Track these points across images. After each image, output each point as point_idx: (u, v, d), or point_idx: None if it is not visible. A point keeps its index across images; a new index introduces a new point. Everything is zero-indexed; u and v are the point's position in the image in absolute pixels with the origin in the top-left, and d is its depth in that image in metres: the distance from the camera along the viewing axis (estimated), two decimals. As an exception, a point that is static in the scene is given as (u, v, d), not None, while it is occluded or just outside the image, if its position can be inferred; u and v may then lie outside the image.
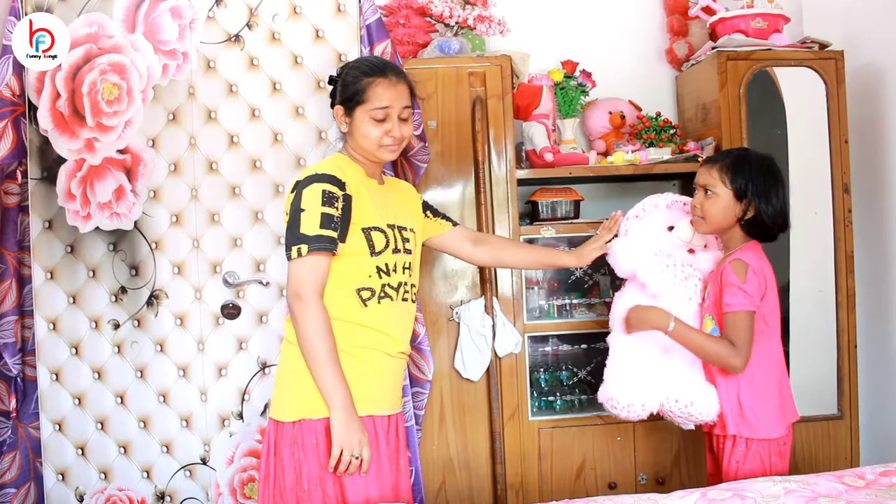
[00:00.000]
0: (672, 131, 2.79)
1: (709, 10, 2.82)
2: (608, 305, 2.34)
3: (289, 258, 1.78)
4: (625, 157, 2.65)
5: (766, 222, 1.98)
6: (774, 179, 2.00)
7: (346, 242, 1.81)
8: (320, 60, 2.44)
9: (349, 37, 2.46)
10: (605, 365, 2.14)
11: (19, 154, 2.36)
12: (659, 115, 2.84)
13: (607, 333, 2.17)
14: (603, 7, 3.07)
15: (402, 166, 2.47)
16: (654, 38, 3.09)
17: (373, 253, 1.85)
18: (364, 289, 1.84)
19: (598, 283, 2.82)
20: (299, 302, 1.75)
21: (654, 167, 2.66)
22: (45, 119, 2.37)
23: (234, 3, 2.43)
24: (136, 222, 2.41)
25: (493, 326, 2.52)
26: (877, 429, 2.79)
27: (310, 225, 1.76)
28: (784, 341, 2.13)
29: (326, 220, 1.77)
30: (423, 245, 2.10)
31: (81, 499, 2.42)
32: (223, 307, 2.44)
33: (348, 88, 1.89)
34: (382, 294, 1.86)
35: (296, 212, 1.79)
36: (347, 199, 1.82)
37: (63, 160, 2.38)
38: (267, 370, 2.44)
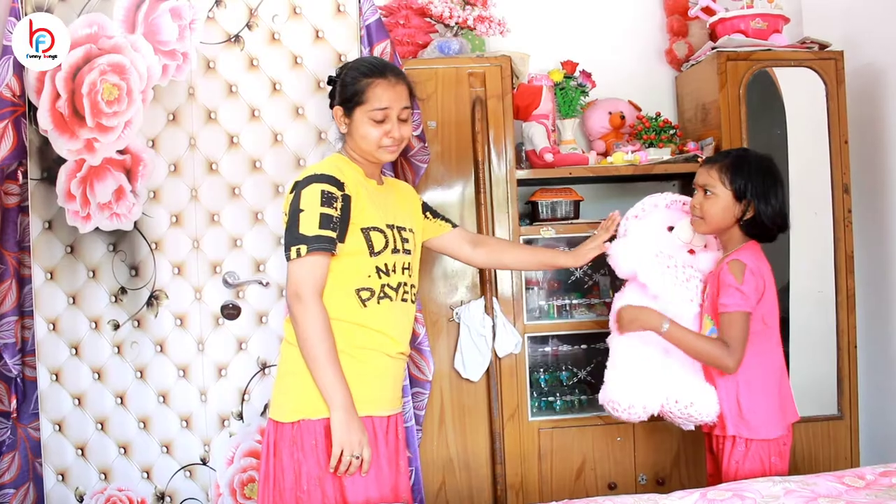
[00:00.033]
0: (672, 132, 2.79)
1: (708, 11, 2.82)
2: (608, 306, 2.34)
3: (288, 259, 1.78)
4: (625, 157, 2.65)
5: (766, 223, 1.98)
6: (774, 180, 2.00)
7: (346, 243, 1.82)
8: (320, 61, 2.44)
9: (349, 37, 2.46)
10: (604, 365, 2.14)
11: (20, 154, 2.36)
12: (659, 115, 2.84)
13: (607, 334, 2.17)
14: (603, 7, 3.07)
15: (402, 167, 2.47)
16: (653, 39, 3.09)
17: (372, 253, 1.85)
18: (363, 289, 1.84)
19: (597, 283, 2.82)
20: (299, 302, 1.75)
21: (654, 167, 2.66)
22: (44, 119, 2.37)
23: (234, 3, 2.43)
24: (135, 223, 2.41)
25: (493, 327, 2.52)
26: (877, 429, 2.79)
27: (309, 225, 1.76)
28: (784, 342, 2.13)
29: (325, 221, 1.77)
30: (422, 246, 2.10)
31: (81, 499, 2.42)
32: (223, 307, 2.44)
33: (347, 89, 1.89)
34: (382, 294, 1.86)
35: (295, 212, 1.79)
36: (346, 200, 1.82)
37: (63, 160, 2.38)
38: (267, 370, 2.44)
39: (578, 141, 2.92)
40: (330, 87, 1.99)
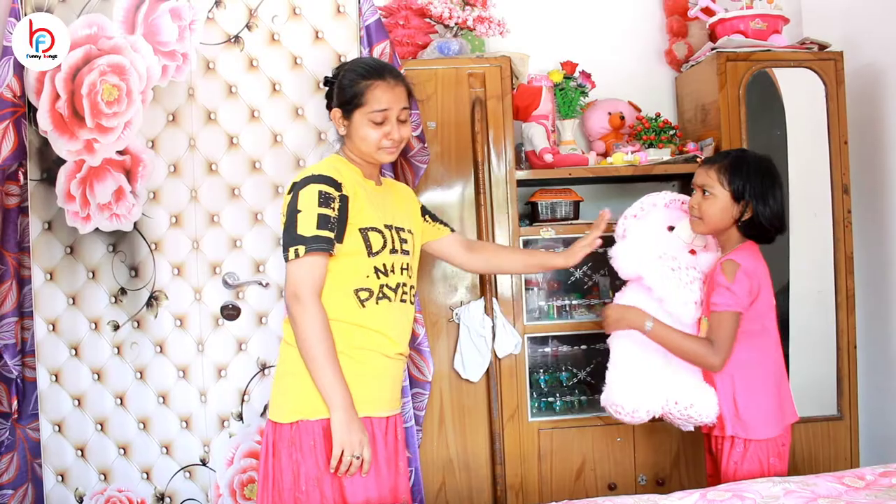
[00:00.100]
0: (671, 132, 2.79)
1: (708, 11, 2.82)
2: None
3: (286, 259, 1.78)
4: (624, 157, 2.65)
5: (764, 224, 1.98)
6: (772, 181, 2.00)
7: (344, 243, 1.82)
8: (320, 61, 2.44)
9: (349, 38, 2.46)
10: (604, 366, 2.14)
11: (20, 155, 2.35)
12: (658, 115, 2.84)
13: (607, 335, 2.17)
14: (602, 8, 3.07)
15: (402, 167, 2.47)
16: (653, 39, 3.09)
17: (370, 253, 1.85)
18: (362, 289, 1.84)
19: (597, 283, 2.82)
20: (297, 303, 1.76)
21: (654, 168, 2.66)
22: (44, 120, 2.37)
23: (234, 4, 2.43)
24: (135, 223, 2.41)
25: (493, 327, 2.52)
26: (876, 429, 2.79)
27: (306, 226, 1.76)
28: (784, 342, 2.13)
29: (323, 221, 1.77)
30: (420, 249, 2.10)
31: (81, 500, 2.42)
32: (223, 308, 2.44)
33: (346, 91, 1.89)
34: (380, 295, 1.86)
35: (292, 213, 1.79)
36: (344, 200, 1.82)
37: (62, 161, 2.38)
38: (266, 371, 2.44)
39: (578, 141, 2.92)
40: (327, 89, 1.99)
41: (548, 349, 2.81)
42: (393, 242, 1.89)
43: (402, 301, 1.91)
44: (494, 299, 2.54)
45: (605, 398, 2.10)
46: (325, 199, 1.78)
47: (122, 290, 2.42)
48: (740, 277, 1.93)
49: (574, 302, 2.72)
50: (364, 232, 1.85)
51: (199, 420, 2.43)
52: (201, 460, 2.44)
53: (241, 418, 2.44)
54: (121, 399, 2.42)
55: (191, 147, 2.43)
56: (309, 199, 1.78)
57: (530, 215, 2.79)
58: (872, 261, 2.81)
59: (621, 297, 2.14)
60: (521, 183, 2.63)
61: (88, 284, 2.42)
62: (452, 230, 2.18)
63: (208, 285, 2.43)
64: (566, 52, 2.90)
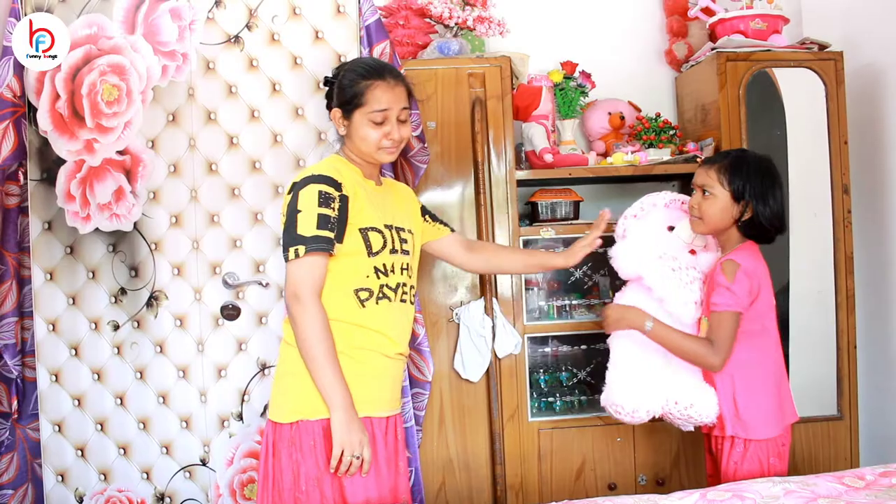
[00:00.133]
0: (671, 132, 2.79)
1: (708, 11, 2.82)
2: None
3: (286, 259, 1.78)
4: (624, 157, 2.65)
5: (764, 224, 1.98)
6: (772, 181, 2.00)
7: (344, 243, 1.82)
8: (320, 61, 2.44)
9: (349, 38, 2.46)
10: (604, 366, 2.14)
11: (21, 155, 2.35)
12: (658, 115, 2.84)
13: (607, 335, 2.17)
14: (602, 8, 3.07)
15: (402, 167, 2.47)
16: (653, 39, 3.09)
17: (370, 253, 1.85)
18: (362, 289, 1.84)
19: (597, 283, 2.82)
20: (297, 303, 1.76)
21: (654, 168, 2.66)
22: (44, 120, 2.37)
23: (234, 4, 2.43)
24: (135, 223, 2.41)
25: (493, 327, 2.52)
26: (876, 429, 2.79)
27: (306, 226, 1.76)
28: (784, 342, 2.13)
29: (323, 221, 1.77)
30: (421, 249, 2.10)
31: (81, 500, 2.42)
32: (223, 308, 2.44)
33: (346, 92, 1.89)
34: (380, 295, 1.86)
35: (292, 213, 1.79)
36: (344, 200, 1.82)
37: (62, 161, 2.38)
38: (266, 371, 2.44)
39: (578, 141, 2.92)
40: (326, 89, 1.99)
41: (548, 349, 2.81)
42: (393, 242, 1.89)
43: (402, 301, 1.91)
44: (494, 299, 2.54)
45: (606, 398, 2.10)
46: (325, 199, 1.78)
47: (122, 290, 2.42)
48: (740, 277, 1.93)
49: (574, 302, 2.72)
50: (364, 232, 1.85)
51: (199, 420, 2.43)
52: (201, 460, 2.44)
53: (241, 418, 2.44)
54: (121, 399, 2.42)
55: (191, 147, 2.43)
56: (309, 199, 1.78)
57: (530, 215, 2.79)
58: (872, 261, 2.81)
59: (621, 297, 2.14)
60: (521, 183, 2.63)
61: (88, 284, 2.42)
62: (452, 230, 2.18)
63: (208, 285, 2.43)
64: (566, 52, 2.90)
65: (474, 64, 2.57)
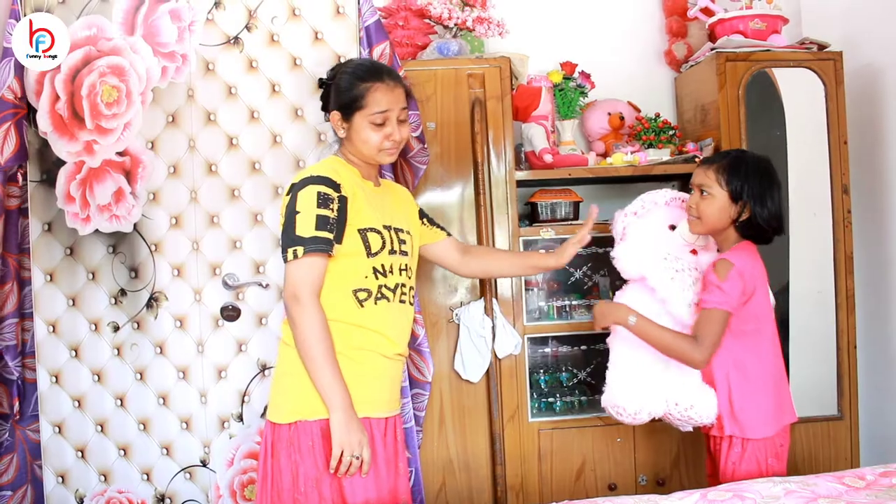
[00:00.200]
0: (671, 132, 2.79)
1: (707, 12, 2.82)
2: (607, 307, 2.33)
3: (285, 260, 1.78)
4: (624, 158, 2.66)
5: (761, 224, 1.98)
6: (770, 182, 1.99)
7: (343, 244, 1.82)
8: (319, 62, 2.44)
9: (348, 38, 2.46)
10: (604, 366, 2.14)
11: (22, 157, 2.36)
12: (658, 116, 2.84)
13: (607, 335, 2.17)
14: (602, 8, 3.07)
15: (402, 168, 2.47)
16: (652, 40, 3.09)
17: (369, 254, 1.85)
18: (360, 290, 1.84)
19: (597, 284, 2.82)
20: (296, 304, 1.76)
21: (654, 168, 2.66)
22: (44, 121, 2.37)
23: (233, 5, 2.43)
24: (135, 224, 2.41)
25: (493, 328, 2.52)
26: (876, 429, 2.79)
27: (305, 227, 1.77)
28: (784, 342, 2.13)
29: (322, 222, 1.77)
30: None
31: (81, 501, 2.42)
32: (223, 309, 2.44)
33: (344, 94, 1.89)
34: (379, 295, 1.86)
35: (291, 214, 1.79)
36: (343, 201, 1.82)
37: (62, 162, 2.38)
38: (266, 372, 2.44)
39: (578, 142, 2.92)
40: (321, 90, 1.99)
41: (548, 349, 2.81)
42: (392, 243, 1.89)
43: (402, 302, 1.91)
44: (494, 300, 2.54)
45: (607, 399, 2.10)
46: (323, 200, 1.78)
47: (122, 292, 2.42)
48: (733, 277, 1.92)
49: (574, 302, 2.72)
50: (363, 233, 1.85)
51: (199, 421, 2.43)
52: (201, 461, 2.44)
53: (241, 419, 2.44)
54: (121, 400, 2.42)
55: (190, 148, 2.43)
56: (307, 200, 1.78)
57: (530, 216, 2.79)
58: (872, 261, 2.81)
59: (622, 297, 2.14)
60: (520, 183, 2.63)
61: (88, 286, 2.42)
62: (449, 234, 2.18)
63: (208, 286, 2.43)
64: (566, 52, 2.90)
65: (474, 65, 2.57)
